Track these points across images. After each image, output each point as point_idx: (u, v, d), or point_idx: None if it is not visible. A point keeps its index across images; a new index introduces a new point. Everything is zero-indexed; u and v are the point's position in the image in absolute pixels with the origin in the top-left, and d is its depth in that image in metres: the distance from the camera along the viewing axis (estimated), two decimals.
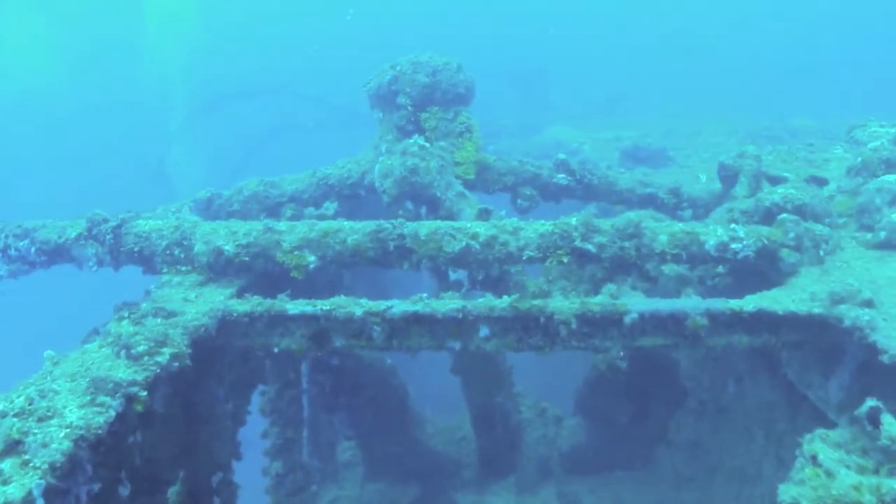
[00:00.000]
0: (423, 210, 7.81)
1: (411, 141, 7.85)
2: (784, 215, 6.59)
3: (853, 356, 5.91)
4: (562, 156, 8.41)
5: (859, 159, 7.53)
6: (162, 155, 27.95)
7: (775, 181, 8.06)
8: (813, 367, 6.24)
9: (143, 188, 27.29)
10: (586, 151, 15.24)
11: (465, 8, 59.27)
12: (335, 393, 9.12)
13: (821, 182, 7.93)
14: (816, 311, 5.79)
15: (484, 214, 7.27)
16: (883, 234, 6.84)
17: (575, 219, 6.42)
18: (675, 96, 27.16)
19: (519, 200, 8.32)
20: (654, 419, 9.11)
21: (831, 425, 5.99)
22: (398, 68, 8.30)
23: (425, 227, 6.47)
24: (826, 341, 5.95)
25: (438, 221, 6.61)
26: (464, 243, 6.33)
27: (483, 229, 6.43)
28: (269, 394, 8.38)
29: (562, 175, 8.32)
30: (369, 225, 6.53)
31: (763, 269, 6.59)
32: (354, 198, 8.79)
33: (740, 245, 6.38)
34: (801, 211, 6.85)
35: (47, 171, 45.58)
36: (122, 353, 5.06)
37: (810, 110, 22.90)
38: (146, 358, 5.04)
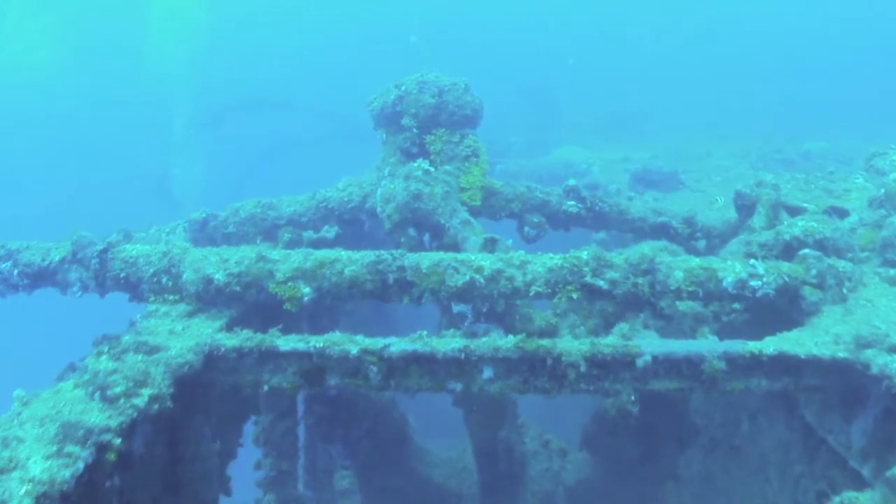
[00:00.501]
0: (427, 237, 7.47)
1: (415, 165, 7.52)
2: (806, 251, 6.24)
3: (877, 400, 5.57)
4: (572, 182, 8.07)
5: (882, 191, 7.19)
6: (165, 168, 27.63)
7: (794, 211, 7.71)
8: (833, 410, 5.89)
9: (145, 199, 27.06)
10: (595, 174, 14.90)
11: (475, 23, 59.16)
12: (332, 424, 8.75)
13: (841, 213, 7.58)
14: (841, 355, 5.45)
15: (490, 244, 6.92)
16: None
17: (586, 252, 6.08)
18: (685, 114, 26.81)
19: (526, 228, 7.99)
20: (664, 456, 8.74)
21: (852, 472, 5.66)
22: (403, 88, 7.97)
23: (427, 259, 6.12)
24: (849, 385, 5.61)
25: (441, 253, 6.26)
26: (468, 277, 5.99)
27: (488, 262, 6.08)
28: (263, 424, 8.03)
29: (571, 202, 7.99)
30: (368, 255, 6.19)
31: (783, 307, 6.25)
32: (355, 222, 8.44)
33: (760, 282, 6.04)
34: (822, 245, 6.50)
35: (47, 174, 45.39)
36: (97, 394, 4.71)
37: (822, 130, 22.57)
38: (123, 400, 4.68)
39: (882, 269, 6.70)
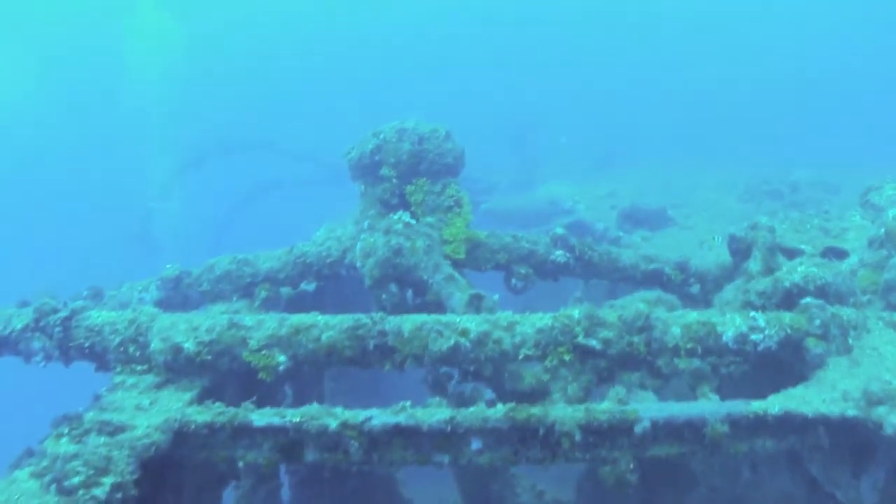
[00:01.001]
0: (409, 294, 7.14)
1: (395, 217, 7.21)
2: (808, 300, 5.93)
3: (888, 454, 5.27)
4: (559, 230, 7.75)
5: (882, 230, 6.89)
6: (146, 211, 27.20)
7: (791, 254, 7.41)
8: (841, 464, 5.58)
9: (123, 247, 26.67)
10: (581, 211, 14.59)
11: (458, 62, 59.20)
12: (318, 485, 8.36)
13: (840, 254, 7.29)
14: (851, 413, 5.15)
15: (475, 301, 6.59)
16: None
17: (577, 311, 5.75)
18: (669, 147, 26.67)
19: (514, 280, 7.65)
20: None
21: None
22: (382, 136, 7.63)
23: (409, 322, 5.78)
24: (857, 439, 5.30)
25: (424, 316, 5.91)
26: (452, 341, 5.65)
27: (474, 324, 5.74)
28: (244, 488, 7.64)
29: (560, 252, 7.66)
30: (346, 320, 5.84)
31: (786, 359, 5.94)
32: (335, 277, 8.10)
33: (761, 336, 5.73)
34: (823, 291, 6.20)
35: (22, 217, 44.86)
36: (54, 486, 4.35)
37: (806, 157, 22.43)
38: (82, 492, 4.33)
39: (886, 313, 6.42)
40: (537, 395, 5.94)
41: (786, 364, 5.98)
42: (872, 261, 6.84)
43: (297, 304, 8.54)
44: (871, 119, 42.10)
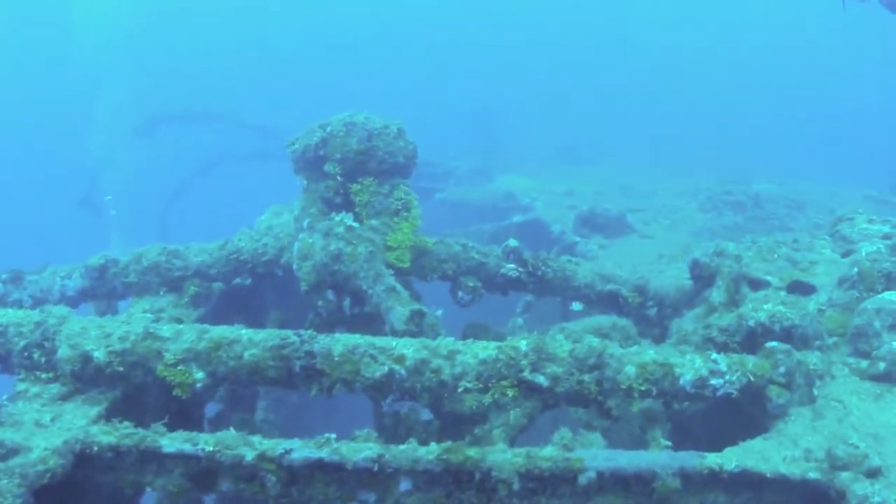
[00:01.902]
0: (347, 302, 6.64)
1: (337, 219, 6.68)
2: (774, 344, 5.49)
3: None
4: (512, 242, 7.26)
5: (855, 270, 6.49)
6: (94, 175, 26.34)
7: (756, 285, 6.99)
8: None
9: (72, 213, 25.88)
10: (538, 209, 14.18)
11: (422, 44, 58.65)
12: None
13: (807, 289, 6.88)
14: (812, 475, 4.75)
15: (416, 317, 6.12)
16: (882, 366, 5.80)
17: (525, 342, 5.27)
18: (633, 146, 26.36)
19: (460, 293, 7.17)
20: None
21: None
22: (328, 129, 7.08)
23: (340, 344, 5.27)
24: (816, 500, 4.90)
25: (357, 337, 5.40)
26: (386, 368, 5.16)
27: (411, 350, 5.25)
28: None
29: (511, 266, 7.18)
30: (272, 337, 5.32)
31: (744, 404, 5.52)
32: (270, 276, 7.57)
33: (721, 381, 5.29)
34: (789, 333, 5.79)
35: None
36: None
37: (767, 169, 22.25)
38: None
39: (852, 359, 6.03)
40: (478, 418, 5.46)
41: (742, 408, 5.57)
42: (842, 301, 6.44)
43: (231, 299, 8.02)
44: (827, 131, 42.28)
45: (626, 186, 16.87)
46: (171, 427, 4.98)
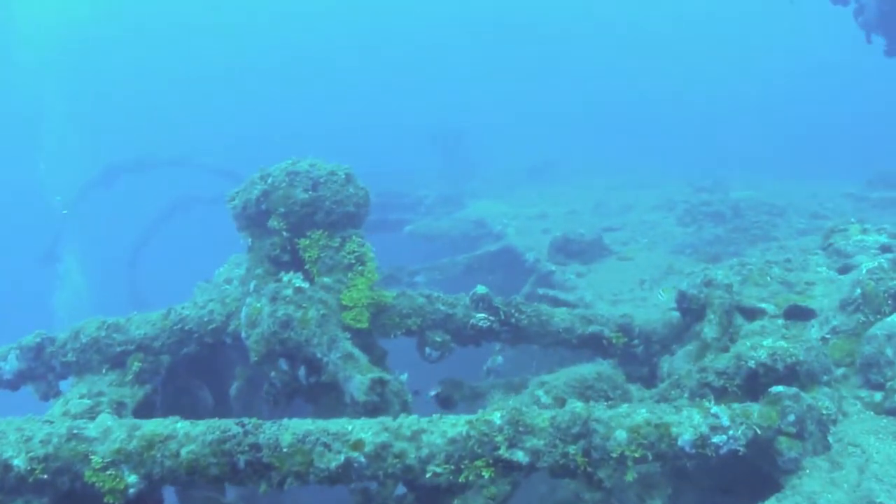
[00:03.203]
0: (302, 371, 5.98)
1: (285, 280, 6.04)
2: (780, 389, 4.87)
3: None
4: (481, 289, 6.61)
5: (858, 291, 5.87)
6: (56, 231, 25.63)
7: (750, 314, 6.39)
8: None
9: (34, 270, 25.19)
10: (511, 236, 13.56)
11: (386, 66, 58.22)
12: None
13: (806, 314, 6.26)
14: None
15: (378, 386, 5.46)
16: None
17: (498, 415, 4.62)
18: (603, 161, 25.87)
19: (427, 349, 6.52)
20: None
21: None
22: (269, 181, 6.45)
23: (289, 433, 4.59)
24: None
25: (308, 423, 4.73)
26: (342, 457, 4.50)
27: (370, 434, 4.58)
28: None
29: (482, 315, 6.53)
30: (211, 430, 4.64)
31: (752, 461, 4.89)
32: (219, 345, 6.90)
33: (724, 437, 4.65)
34: (793, 371, 5.18)
35: None
36: None
37: (738, 166, 21.82)
38: None
39: (864, 392, 5.41)
40: (456, 488, 4.79)
41: (750, 463, 4.94)
42: (847, 328, 5.82)
43: (192, 361, 7.32)
44: (798, 128, 42.04)
45: (600, 203, 16.30)
46: None
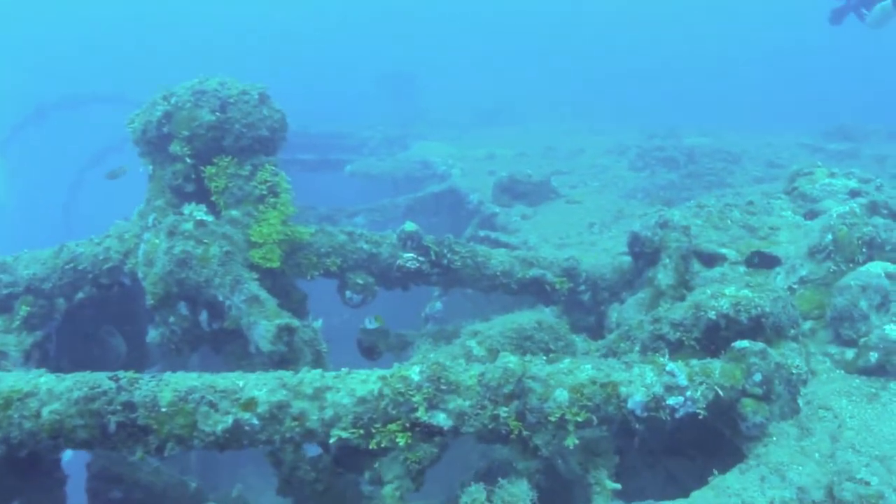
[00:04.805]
0: (205, 316, 5.25)
1: (186, 213, 5.28)
2: (744, 344, 4.24)
3: None
4: (409, 226, 5.89)
5: (829, 237, 5.24)
6: None
7: (709, 259, 5.77)
8: None
9: None
10: (455, 177, 12.85)
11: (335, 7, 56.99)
12: None
13: (770, 261, 5.64)
14: None
15: (285, 333, 4.75)
16: (874, 357, 4.61)
17: (417, 370, 3.92)
18: (555, 104, 25.18)
19: (348, 293, 5.81)
20: None
21: None
22: (173, 100, 5.65)
23: (169, 389, 3.86)
24: None
25: (192, 377, 3.99)
26: (230, 420, 3.78)
27: (264, 392, 3.86)
28: None
29: (410, 255, 5.82)
30: (79, 386, 3.88)
31: (712, 424, 4.27)
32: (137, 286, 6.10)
33: (681, 398, 4.01)
34: (759, 323, 4.55)
35: None
36: None
37: (693, 116, 21.36)
38: None
39: (835, 349, 4.80)
40: (378, 450, 4.10)
41: (711, 426, 4.32)
42: (816, 277, 5.20)
43: (100, 303, 6.54)
44: (751, 78, 41.75)
45: (550, 147, 15.60)
46: None
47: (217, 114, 5.56)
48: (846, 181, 6.64)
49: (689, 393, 4.00)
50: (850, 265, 5.13)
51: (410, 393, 3.80)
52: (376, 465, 3.99)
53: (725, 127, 19.04)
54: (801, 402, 4.35)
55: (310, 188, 17.02)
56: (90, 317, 6.62)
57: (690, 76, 41.92)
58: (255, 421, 3.78)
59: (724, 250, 5.84)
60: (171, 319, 5.28)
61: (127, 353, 7.02)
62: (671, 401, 3.98)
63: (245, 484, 8.01)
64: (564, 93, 28.38)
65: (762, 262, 5.64)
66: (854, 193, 6.46)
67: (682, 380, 4.02)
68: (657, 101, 29.85)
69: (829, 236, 5.22)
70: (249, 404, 3.79)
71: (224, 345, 5.39)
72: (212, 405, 3.78)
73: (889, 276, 4.87)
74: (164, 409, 3.78)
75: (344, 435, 3.76)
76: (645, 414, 3.97)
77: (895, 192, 6.60)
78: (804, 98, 34.53)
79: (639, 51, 47.49)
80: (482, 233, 9.34)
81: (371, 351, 5.80)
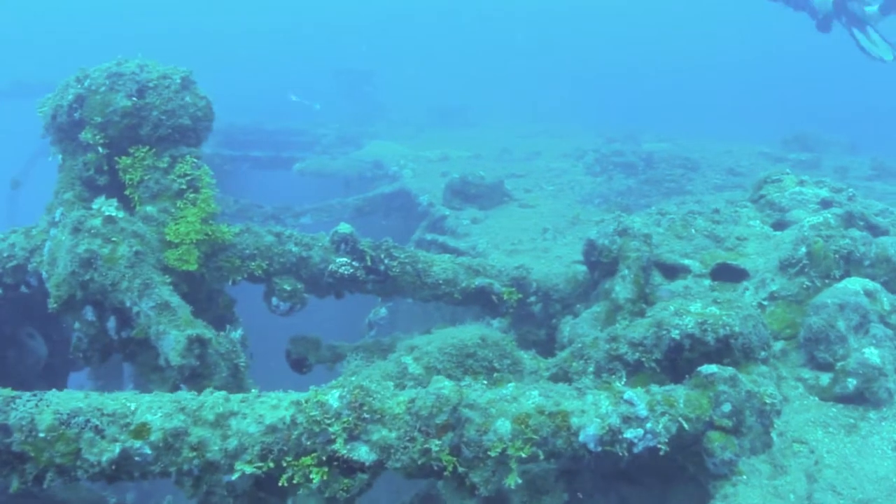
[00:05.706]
0: (112, 323, 4.70)
1: (95, 207, 4.72)
2: (712, 369, 3.77)
3: None
4: (344, 228, 5.36)
5: (802, 249, 4.80)
6: None
7: (671, 271, 5.31)
8: None
9: None
10: (406, 178, 12.37)
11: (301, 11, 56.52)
12: None
13: (738, 275, 5.19)
14: None
15: (196, 346, 4.21)
16: (852, 384, 4.17)
17: (337, 395, 3.39)
18: (512, 106, 24.87)
19: (275, 300, 5.27)
20: None
21: None
22: (87, 83, 5.09)
23: (50, 410, 3.30)
24: None
25: (79, 396, 3.43)
26: (117, 449, 3.24)
27: (159, 417, 3.32)
28: None
29: (343, 260, 5.29)
30: None
31: (677, 460, 3.80)
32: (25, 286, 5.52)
33: (640, 431, 3.53)
34: (727, 345, 4.08)
35: None
36: None
37: (652, 122, 21.15)
38: None
39: (808, 372, 4.37)
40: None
41: (674, 461, 3.85)
42: (788, 293, 4.75)
43: (14, 304, 5.96)
44: (712, 87, 41.82)
45: (506, 149, 15.19)
46: None
47: (134, 99, 5.01)
48: (817, 190, 6.22)
49: (649, 425, 3.52)
50: (826, 281, 4.71)
51: (328, 421, 3.27)
52: (289, 501, 3.48)
53: (684, 133, 18.78)
54: (774, 435, 3.90)
55: (261, 186, 16.52)
56: (5, 317, 6.06)
57: (653, 81, 41.87)
58: (148, 450, 3.24)
59: (687, 261, 5.39)
60: (77, 325, 4.72)
61: (48, 357, 6.48)
62: (629, 434, 3.49)
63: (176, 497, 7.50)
64: (524, 95, 28.10)
65: (729, 275, 5.20)
66: (826, 203, 6.04)
67: (642, 410, 3.54)
68: (619, 105, 29.71)
69: (803, 249, 4.79)
70: (141, 431, 3.24)
71: (136, 355, 4.84)
72: (97, 431, 3.23)
73: (868, 293, 4.45)
74: (42, 435, 3.23)
75: (248, 470, 3.23)
76: (599, 448, 3.49)
77: (868, 202, 6.20)
78: (763, 106, 34.51)
79: (602, 55, 47.44)
80: (429, 236, 8.86)
81: (300, 364, 5.27)
